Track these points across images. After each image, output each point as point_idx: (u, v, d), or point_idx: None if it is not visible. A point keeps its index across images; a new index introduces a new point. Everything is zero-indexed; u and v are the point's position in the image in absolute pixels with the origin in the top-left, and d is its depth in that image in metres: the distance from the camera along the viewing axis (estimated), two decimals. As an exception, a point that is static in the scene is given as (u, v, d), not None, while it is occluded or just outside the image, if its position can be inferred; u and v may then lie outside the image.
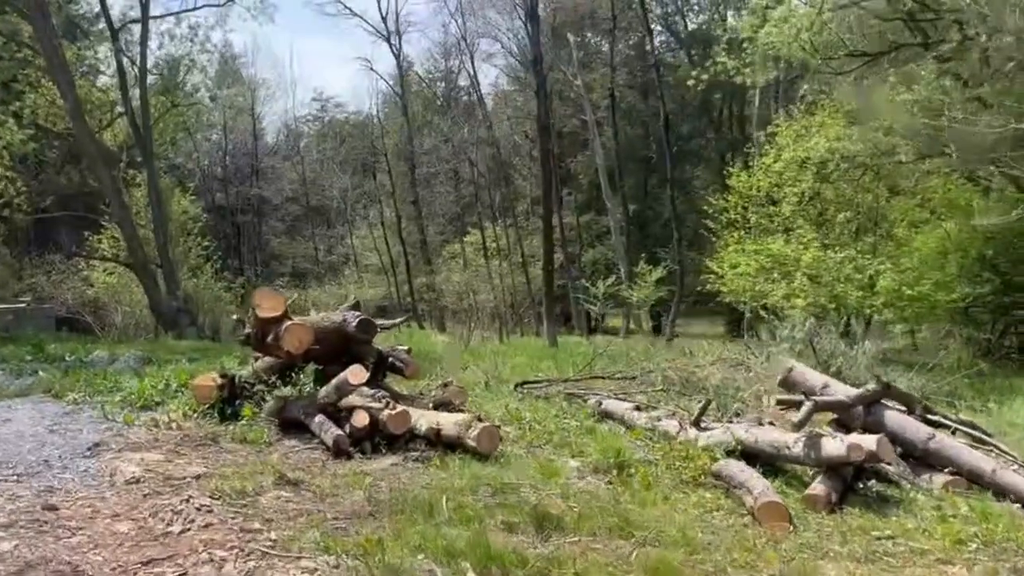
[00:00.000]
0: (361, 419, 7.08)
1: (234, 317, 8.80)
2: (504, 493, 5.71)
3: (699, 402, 7.92)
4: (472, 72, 43.49)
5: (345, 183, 48.42)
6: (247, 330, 8.03)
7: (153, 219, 18.63)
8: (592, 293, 26.65)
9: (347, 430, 7.06)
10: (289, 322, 7.72)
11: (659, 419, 7.83)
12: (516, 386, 10.54)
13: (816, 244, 16.75)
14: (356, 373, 7.31)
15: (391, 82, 44.60)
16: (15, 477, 5.92)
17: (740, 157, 29.59)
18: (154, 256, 18.50)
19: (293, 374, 8.61)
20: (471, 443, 6.68)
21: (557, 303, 31.64)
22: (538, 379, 11.26)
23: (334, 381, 7.46)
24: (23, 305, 16.83)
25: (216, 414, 7.87)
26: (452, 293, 30.27)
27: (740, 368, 10.99)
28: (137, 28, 20.56)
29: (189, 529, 4.92)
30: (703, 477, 5.85)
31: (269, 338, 7.74)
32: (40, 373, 10.31)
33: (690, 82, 16.75)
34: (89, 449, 6.77)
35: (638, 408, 8.32)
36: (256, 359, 9.18)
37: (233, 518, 5.15)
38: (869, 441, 5.32)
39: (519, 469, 6.28)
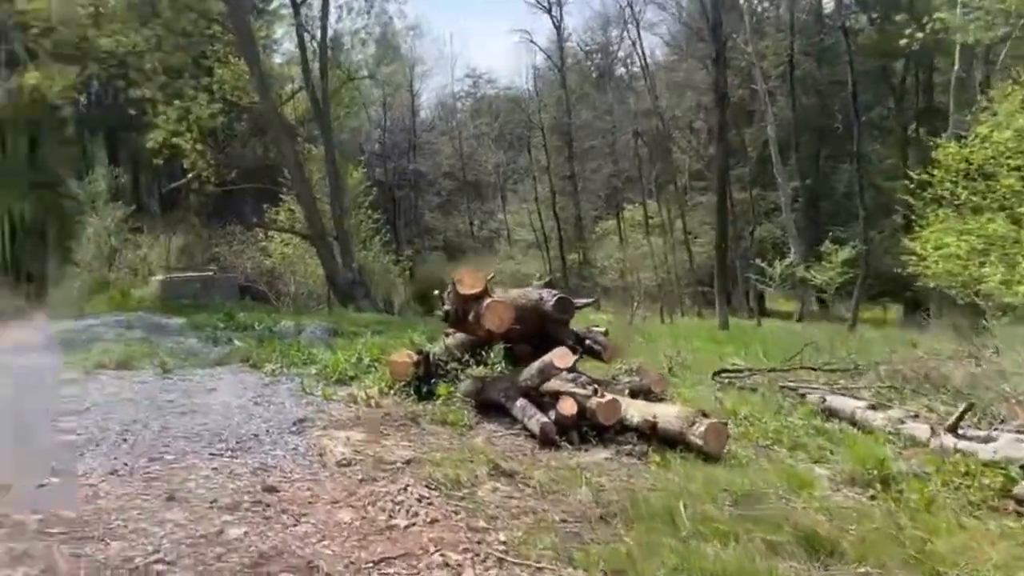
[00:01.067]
0: (568, 406, 6.55)
1: (435, 292, 8.49)
2: (748, 503, 5.00)
3: (945, 403, 6.86)
4: (637, 42, 41.96)
5: (499, 158, 48.43)
6: (445, 307, 7.66)
7: (330, 191, 19.00)
8: (768, 274, 25.08)
9: (551, 417, 6.55)
10: (490, 299, 7.28)
11: (902, 421, 6.83)
12: (714, 374, 9.71)
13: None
14: (562, 356, 6.79)
15: (549, 54, 43.90)
16: (229, 452, 5.80)
17: (927, 128, 26.95)
18: (330, 228, 18.86)
19: (483, 352, 8.27)
20: (696, 441, 6.00)
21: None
22: (738, 367, 10.37)
23: (537, 364, 6.97)
24: (210, 274, 17.62)
25: (412, 392, 7.60)
26: (614, 269, 29.37)
27: (971, 362, 9.65)
28: (316, 2, 21.00)
29: (415, 524, 4.55)
30: (996, 499, 4.88)
31: (470, 316, 7.32)
32: (235, 342, 10.50)
33: (902, 41, 15.04)
34: (295, 424, 6.63)
35: (872, 407, 7.31)
36: (446, 335, 8.87)
37: (456, 513, 4.75)
38: None
39: (758, 475, 5.53)
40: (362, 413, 7.07)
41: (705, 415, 6.20)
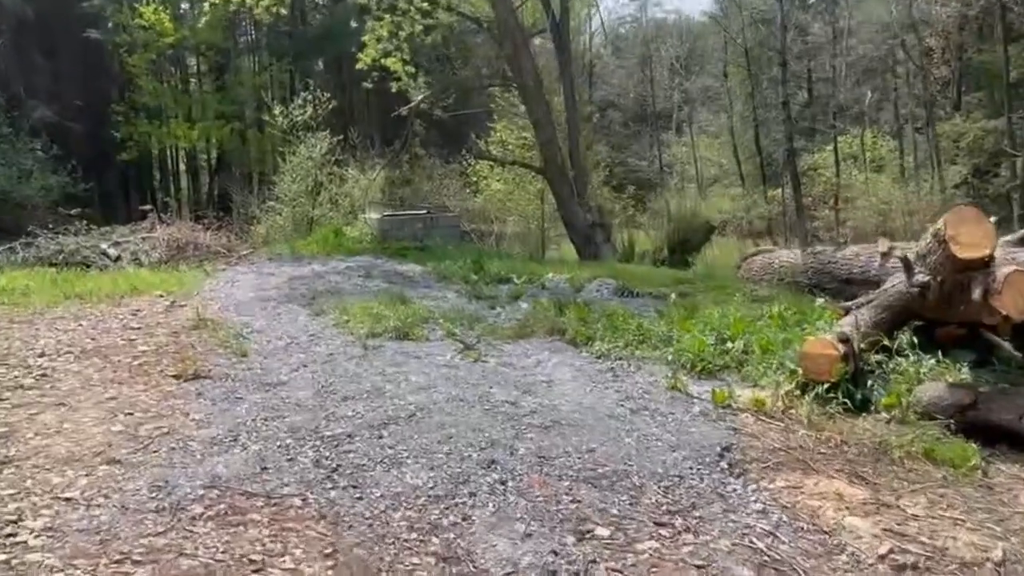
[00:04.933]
0: None
1: (883, 248, 5.90)
2: None
3: None
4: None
5: (679, 86, 44.39)
6: (917, 275, 5.07)
7: (567, 115, 16.33)
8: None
9: None
10: (1011, 269, 4.61)
11: None
12: None
13: None
14: None
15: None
16: (680, 517, 3.57)
17: None
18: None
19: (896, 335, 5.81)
20: None
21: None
22: None
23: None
24: (425, 212, 15.71)
25: (842, 397, 5.10)
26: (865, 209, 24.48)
27: None
28: None
29: None
30: None
31: (973, 293, 4.69)
32: (522, 304, 8.35)
33: None
34: (720, 457, 4.34)
35: None
36: (845, 312, 6.33)
37: None
38: None
39: None
40: (802, 438, 4.67)
41: None
